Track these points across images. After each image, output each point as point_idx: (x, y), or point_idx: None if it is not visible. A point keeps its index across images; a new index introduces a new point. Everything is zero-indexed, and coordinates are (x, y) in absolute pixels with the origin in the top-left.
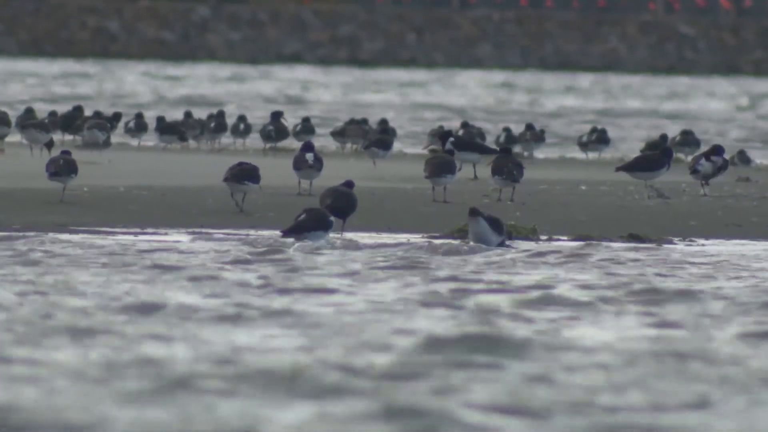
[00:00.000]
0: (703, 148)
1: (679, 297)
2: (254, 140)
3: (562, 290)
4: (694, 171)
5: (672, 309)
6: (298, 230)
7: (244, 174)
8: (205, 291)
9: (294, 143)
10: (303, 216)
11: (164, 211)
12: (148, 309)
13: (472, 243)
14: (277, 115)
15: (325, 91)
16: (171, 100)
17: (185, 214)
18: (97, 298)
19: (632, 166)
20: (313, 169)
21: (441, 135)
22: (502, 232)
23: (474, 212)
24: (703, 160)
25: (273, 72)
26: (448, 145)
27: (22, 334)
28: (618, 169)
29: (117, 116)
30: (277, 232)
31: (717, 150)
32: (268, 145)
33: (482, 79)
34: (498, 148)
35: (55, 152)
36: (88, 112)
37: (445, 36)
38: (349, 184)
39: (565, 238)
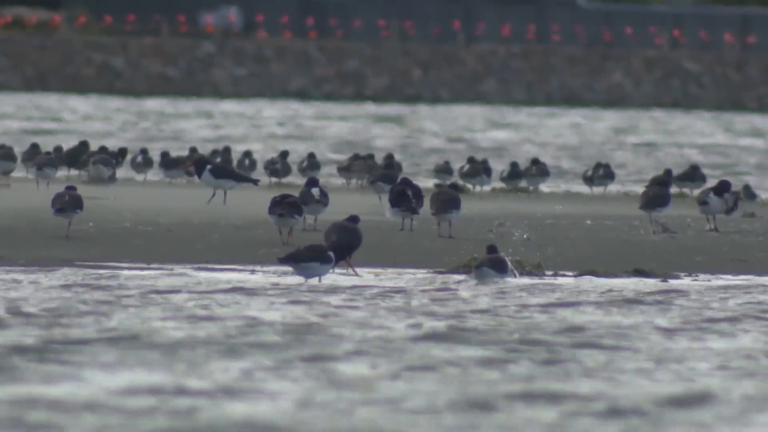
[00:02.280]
0: (710, 183)
1: None
2: (259, 176)
3: None
4: (702, 203)
5: None
6: (295, 259)
7: (293, 209)
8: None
9: (298, 179)
10: (302, 249)
11: (170, 246)
12: None
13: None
14: (284, 155)
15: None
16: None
17: (191, 250)
18: None
19: (654, 204)
20: (319, 204)
21: (196, 162)
22: (504, 270)
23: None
24: (711, 194)
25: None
26: (205, 174)
27: None
28: (642, 208)
29: (123, 152)
30: (283, 269)
31: (724, 185)
32: (273, 180)
33: (486, 113)
34: (255, 179)
35: (60, 188)
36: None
37: (450, 72)
38: (354, 219)
39: (570, 273)
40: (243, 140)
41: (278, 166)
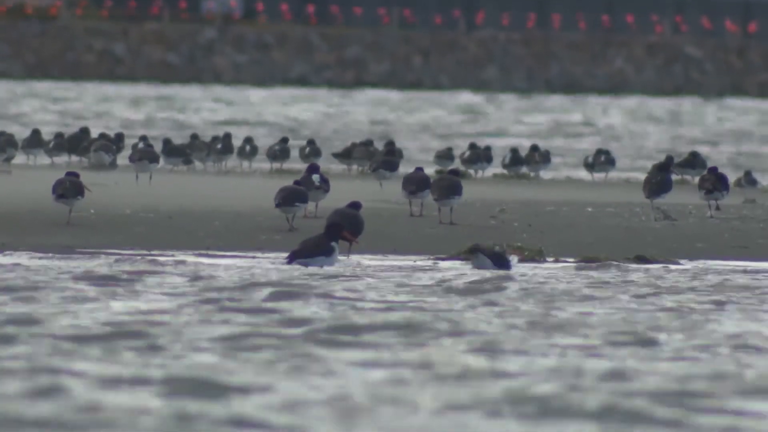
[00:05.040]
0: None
1: None
2: (260, 163)
3: None
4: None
5: None
6: (301, 255)
7: (294, 196)
8: None
9: (299, 165)
10: (303, 248)
11: (171, 233)
12: None
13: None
14: (284, 141)
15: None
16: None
17: (192, 237)
18: None
19: (659, 190)
20: (320, 190)
21: None
22: (505, 262)
23: (474, 249)
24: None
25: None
26: None
27: None
28: (650, 197)
29: (120, 137)
30: (283, 254)
31: (711, 172)
32: (274, 166)
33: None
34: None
35: (61, 174)
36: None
37: (451, 58)
38: (355, 206)
39: (571, 259)
40: (244, 126)
41: (279, 152)
